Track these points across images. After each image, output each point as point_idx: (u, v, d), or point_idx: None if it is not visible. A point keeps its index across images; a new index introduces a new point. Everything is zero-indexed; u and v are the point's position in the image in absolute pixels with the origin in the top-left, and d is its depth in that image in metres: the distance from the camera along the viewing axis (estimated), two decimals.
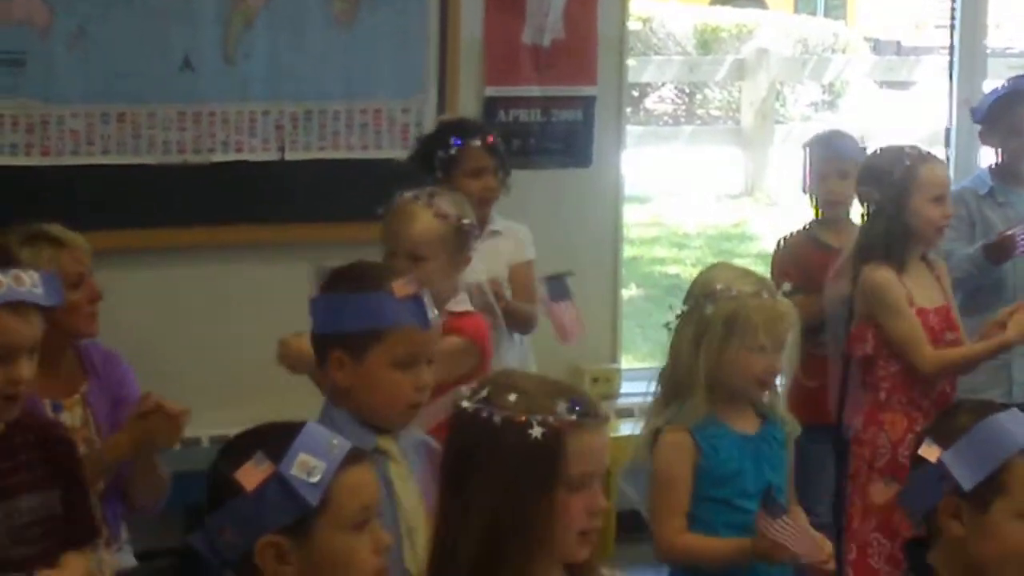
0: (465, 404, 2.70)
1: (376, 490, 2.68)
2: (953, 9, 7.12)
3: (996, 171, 5.93)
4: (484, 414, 2.67)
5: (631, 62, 7.44)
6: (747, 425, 4.01)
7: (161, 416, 3.95)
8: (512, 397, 2.66)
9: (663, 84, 13.85)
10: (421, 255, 4.29)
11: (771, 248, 5.90)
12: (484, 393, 2.70)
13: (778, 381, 4.12)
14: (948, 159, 6.95)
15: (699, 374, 3.91)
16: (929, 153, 5.12)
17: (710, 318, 3.91)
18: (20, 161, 5.74)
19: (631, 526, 5.00)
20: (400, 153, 5.86)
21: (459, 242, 4.41)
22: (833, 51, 14.21)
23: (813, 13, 16.60)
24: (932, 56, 13.02)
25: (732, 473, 3.95)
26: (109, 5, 5.75)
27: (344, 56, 6.07)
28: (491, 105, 6.29)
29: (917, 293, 5.00)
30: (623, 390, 6.50)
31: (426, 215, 4.34)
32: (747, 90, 12.35)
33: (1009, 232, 5.54)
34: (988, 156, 6.10)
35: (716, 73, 12.80)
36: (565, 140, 6.42)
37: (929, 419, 4.73)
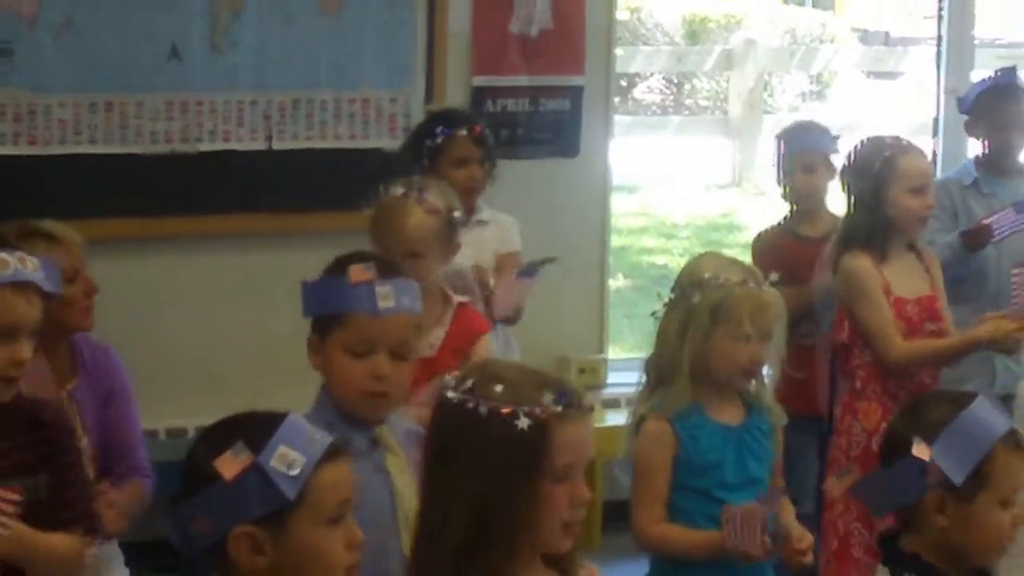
0: (450, 394, 2.68)
1: (352, 486, 2.65)
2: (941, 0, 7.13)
3: (981, 162, 5.93)
4: (470, 405, 2.65)
5: (619, 52, 7.44)
6: (732, 415, 4.01)
7: None
8: (498, 388, 2.65)
9: (651, 74, 13.85)
10: (418, 252, 4.30)
11: None
12: (469, 384, 2.68)
13: (765, 371, 4.12)
14: (936, 149, 6.96)
15: (683, 362, 3.90)
16: (910, 144, 5.10)
17: (696, 306, 3.90)
18: (7, 150, 5.73)
19: (618, 516, 5.01)
20: (388, 143, 5.87)
21: (450, 233, 4.44)
22: (821, 41, 14.21)
23: (801, 3, 16.59)
24: (920, 47, 13.03)
25: (712, 464, 3.94)
26: None
27: (332, 45, 6.06)
28: (479, 95, 6.29)
29: (898, 283, 4.98)
30: (610, 380, 6.51)
31: (418, 212, 4.34)
32: (735, 80, 12.35)
33: (986, 221, 5.55)
34: (975, 147, 6.10)
35: (704, 63, 12.81)
36: (553, 130, 6.42)
37: None
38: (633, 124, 12.39)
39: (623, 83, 13.10)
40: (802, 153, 5.69)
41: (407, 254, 4.26)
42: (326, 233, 5.48)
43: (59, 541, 3.45)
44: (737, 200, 12.15)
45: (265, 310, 5.89)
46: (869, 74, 14.27)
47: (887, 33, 15.99)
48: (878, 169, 4.98)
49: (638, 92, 14.22)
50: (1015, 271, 5.02)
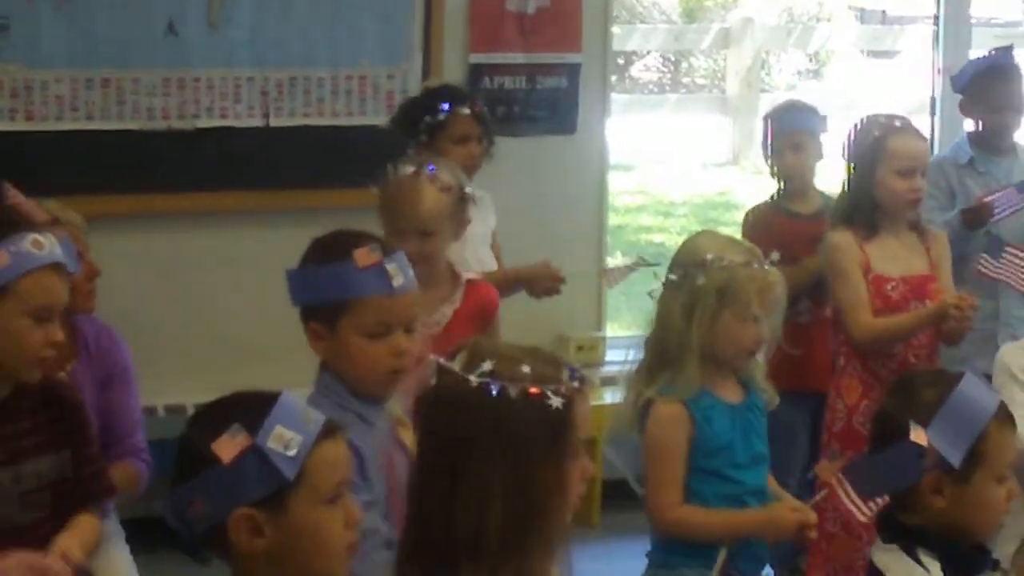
0: (472, 379, 2.57)
1: (349, 464, 2.62)
2: None
3: (975, 140, 5.92)
4: (493, 389, 2.56)
5: (616, 30, 7.43)
6: (733, 394, 4.00)
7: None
8: (525, 369, 2.57)
9: (648, 52, 13.82)
10: (431, 230, 4.29)
11: None
12: (487, 367, 2.57)
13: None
14: (933, 128, 6.96)
15: (692, 345, 3.88)
16: (906, 125, 5.04)
17: (702, 288, 3.88)
18: (4, 126, 5.73)
19: (617, 494, 5.01)
20: (385, 120, 5.85)
21: (461, 210, 4.44)
22: (818, 20, 14.18)
23: None
24: (917, 25, 12.99)
25: (724, 444, 3.93)
26: None
27: (329, 22, 6.05)
28: (476, 72, 6.28)
29: (882, 261, 4.95)
30: (608, 358, 6.51)
31: (432, 190, 4.33)
32: (732, 59, 12.32)
33: (987, 199, 5.54)
34: (970, 125, 6.09)
35: (701, 41, 12.77)
36: (550, 107, 6.41)
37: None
38: (630, 102, 12.36)
39: (620, 61, 13.06)
40: (791, 132, 5.71)
41: (421, 232, 4.26)
42: (323, 210, 5.48)
43: (90, 528, 3.49)
44: (734, 178, 12.13)
45: (263, 286, 5.87)
46: (866, 53, 14.24)
47: (884, 12, 15.93)
48: (867, 148, 4.98)
49: (635, 70, 14.19)
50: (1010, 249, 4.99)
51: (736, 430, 3.96)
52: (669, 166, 12.43)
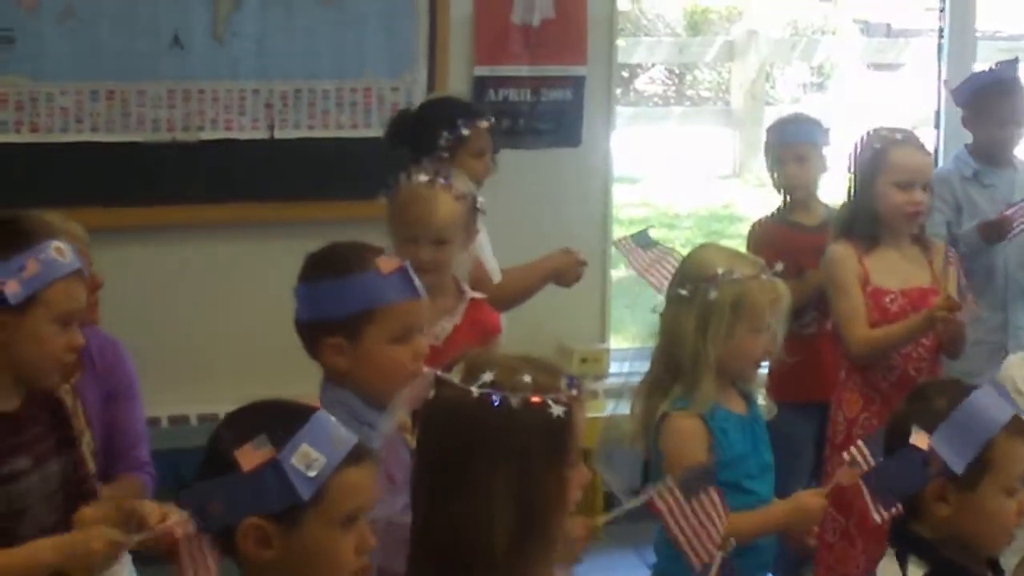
0: (474, 390, 2.57)
1: (372, 492, 2.60)
2: None
3: (977, 153, 5.90)
4: (495, 399, 2.56)
5: (621, 43, 7.44)
6: (738, 406, 4.01)
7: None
8: (527, 378, 2.58)
9: (653, 65, 13.83)
10: (446, 239, 4.29)
11: None
12: (488, 378, 2.58)
13: None
14: (938, 141, 6.95)
15: (708, 360, 3.87)
16: (909, 138, 5.04)
17: (715, 303, 3.87)
18: (9, 138, 5.73)
19: (620, 505, 4.99)
20: None
21: (472, 219, 4.44)
22: (823, 33, 14.20)
23: None
24: (922, 38, 13.00)
25: (740, 456, 3.93)
26: None
27: (333, 34, 6.06)
28: (481, 84, 6.29)
29: (882, 273, 4.94)
30: (611, 370, 6.51)
31: (447, 199, 4.33)
32: (737, 71, 12.32)
33: (1008, 213, 5.52)
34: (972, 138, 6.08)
35: (706, 54, 12.77)
36: (555, 120, 6.42)
37: (888, 401, 4.74)
38: (635, 115, 12.37)
39: (625, 74, 13.08)
40: (795, 144, 5.72)
41: (435, 240, 4.26)
42: (328, 222, 5.48)
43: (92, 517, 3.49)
44: (739, 191, 12.14)
45: (267, 298, 5.87)
46: (870, 66, 14.24)
47: (889, 25, 15.96)
48: (867, 160, 4.99)
49: (640, 83, 14.20)
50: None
51: (747, 441, 3.97)
52: (673, 178, 12.43)
